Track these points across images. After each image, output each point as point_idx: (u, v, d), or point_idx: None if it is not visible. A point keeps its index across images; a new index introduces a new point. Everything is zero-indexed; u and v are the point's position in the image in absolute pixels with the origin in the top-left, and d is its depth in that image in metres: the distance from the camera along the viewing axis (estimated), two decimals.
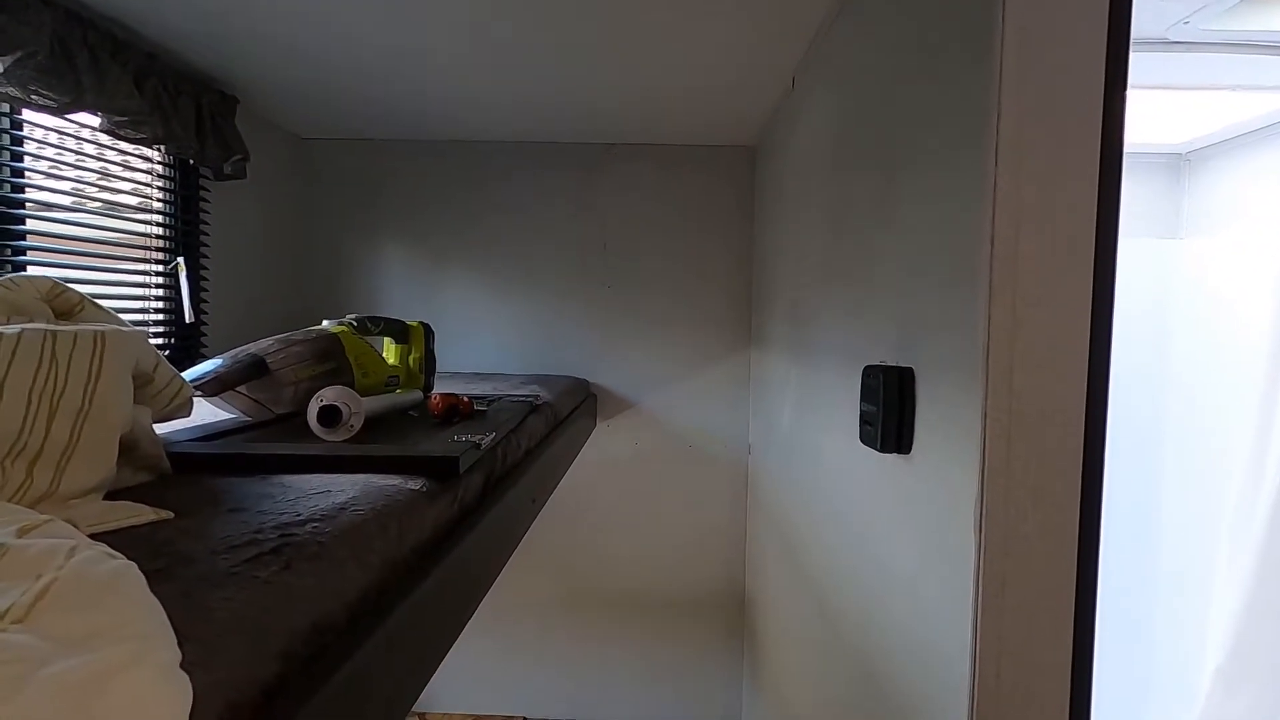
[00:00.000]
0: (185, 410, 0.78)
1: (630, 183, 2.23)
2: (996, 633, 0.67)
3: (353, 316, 1.23)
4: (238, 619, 0.41)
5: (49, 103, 1.24)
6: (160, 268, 1.62)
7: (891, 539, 0.88)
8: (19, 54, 1.14)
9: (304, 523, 0.56)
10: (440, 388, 1.59)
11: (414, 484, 0.74)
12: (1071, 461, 0.66)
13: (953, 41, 0.75)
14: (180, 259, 1.62)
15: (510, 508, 0.98)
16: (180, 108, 1.54)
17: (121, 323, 0.73)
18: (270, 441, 0.90)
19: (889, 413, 0.83)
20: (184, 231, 1.68)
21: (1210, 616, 1.63)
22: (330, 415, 0.88)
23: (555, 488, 1.44)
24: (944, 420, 0.75)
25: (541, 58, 1.57)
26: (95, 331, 0.60)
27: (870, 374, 0.88)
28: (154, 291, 1.61)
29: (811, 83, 1.45)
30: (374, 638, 0.55)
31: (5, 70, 1.12)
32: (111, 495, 0.62)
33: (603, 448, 2.26)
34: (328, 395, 0.90)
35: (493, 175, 2.24)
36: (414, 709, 2.28)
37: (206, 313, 1.76)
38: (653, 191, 2.23)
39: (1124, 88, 0.66)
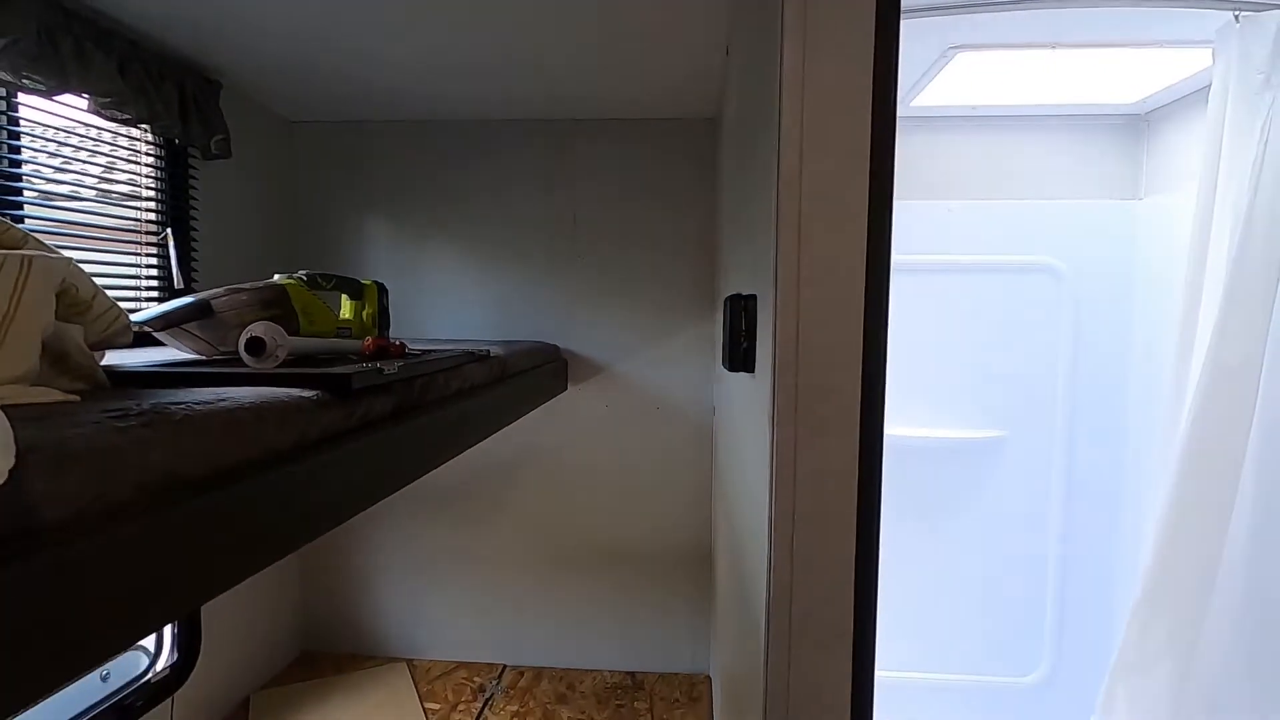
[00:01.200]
0: (124, 336, 0.92)
1: (598, 157, 2.33)
2: (789, 514, 0.77)
3: (304, 272, 1.37)
4: (85, 446, 0.53)
5: (38, 86, 1.39)
6: (152, 239, 1.78)
7: (746, 445, 0.98)
8: (6, 41, 1.29)
9: (183, 403, 0.69)
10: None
11: (307, 394, 0.86)
12: (851, 371, 0.75)
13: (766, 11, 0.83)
14: (168, 230, 1.78)
15: (420, 433, 1.10)
16: (164, 91, 1.69)
17: (58, 254, 0.87)
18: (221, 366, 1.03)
19: (736, 335, 0.93)
20: (174, 210, 1.84)
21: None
22: (256, 346, 1.01)
23: (497, 430, 1.56)
24: (767, 341, 0.84)
25: (498, 29, 1.68)
26: (23, 256, 0.74)
27: (727, 303, 0.98)
28: (146, 260, 1.77)
29: (735, 48, 1.53)
30: (244, 497, 0.68)
31: None
32: None
33: (575, 410, 2.38)
34: (255, 329, 1.02)
35: (470, 153, 2.36)
36: (403, 656, 2.45)
37: (198, 282, 1.92)
38: (619, 165, 2.33)
39: (895, 52, 0.74)
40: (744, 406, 1.00)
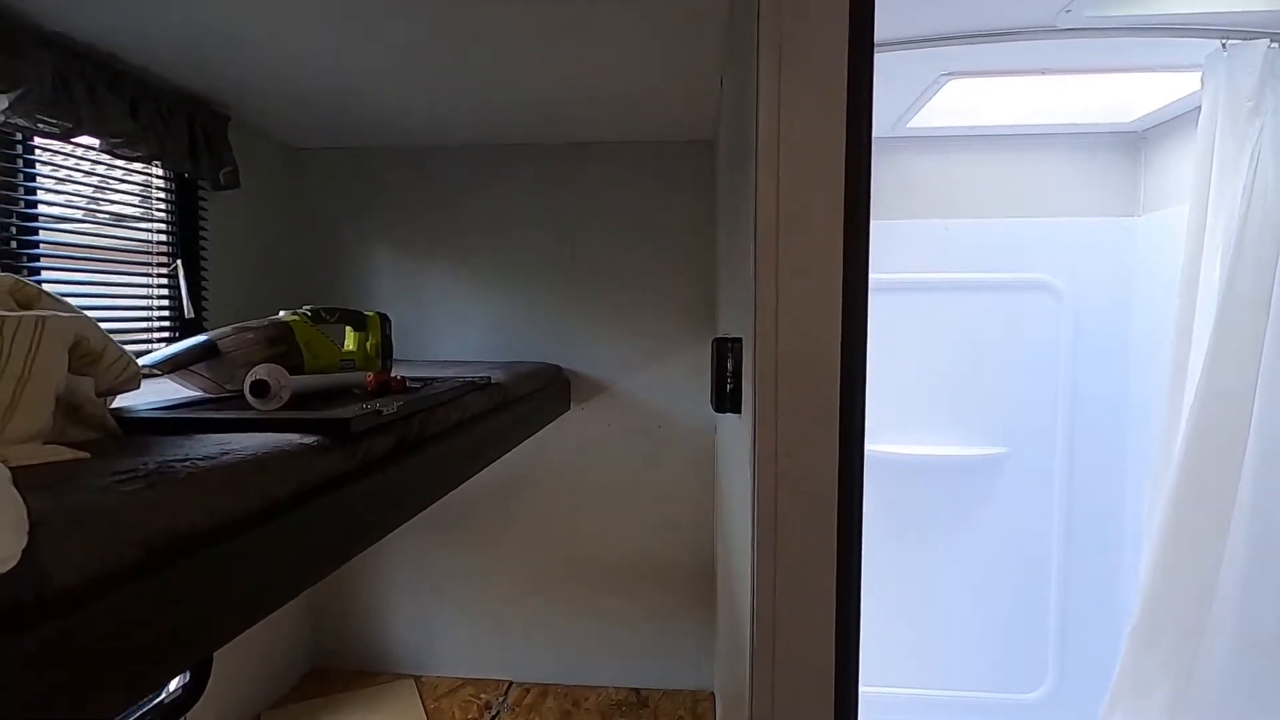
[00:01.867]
0: (134, 384, 0.95)
1: (599, 180, 2.37)
2: (771, 556, 0.79)
3: (308, 307, 1.40)
4: (90, 512, 0.57)
5: (53, 129, 1.44)
6: (163, 270, 1.83)
7: (735, 487, 1.00)
8: (22, 90, 1.34)
9: (186, 460, 0.72)
10: (414, 372, 1.76)
11: (308, 440, 0.89)
12: (829, 415, 0.78)
13: (745, 48, 0.86)
14: (179, 260, 1.83)
15: (420, 469, 1.13)
16: (174, 127, 1.74)
17: (73, 310, 0.91)
18: (218, 412, 1.07)
19: (720, 377, 0.95)
20: (184, 238, 1.89)
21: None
22: (260, 388, 1.04)
23: (498, 458, 1.59)
24: (752, 382, 0.87)
25: (495, 71, 1.72)
26: (37, 316, 0.77)
27: (714, 345, 1.00)
28: (157, 294, 1.82)
29: (727, 81, 1.56)
30: (248, 547, 0.71)
31: (10, 105, 1.33)
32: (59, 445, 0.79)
33: (579, 430, 2.41)
34: (259, 371, 1.06)
35: (472, 177, 2.40)
36: (410, 673, 2.49)
37: (207, 310, 1.97)
38: (620, 188, 2.36)
39: (869, 87, 0.76)
40: (733, 445, 1.02)
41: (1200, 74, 1.52)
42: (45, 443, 0.77)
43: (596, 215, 2.38)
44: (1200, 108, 1.89)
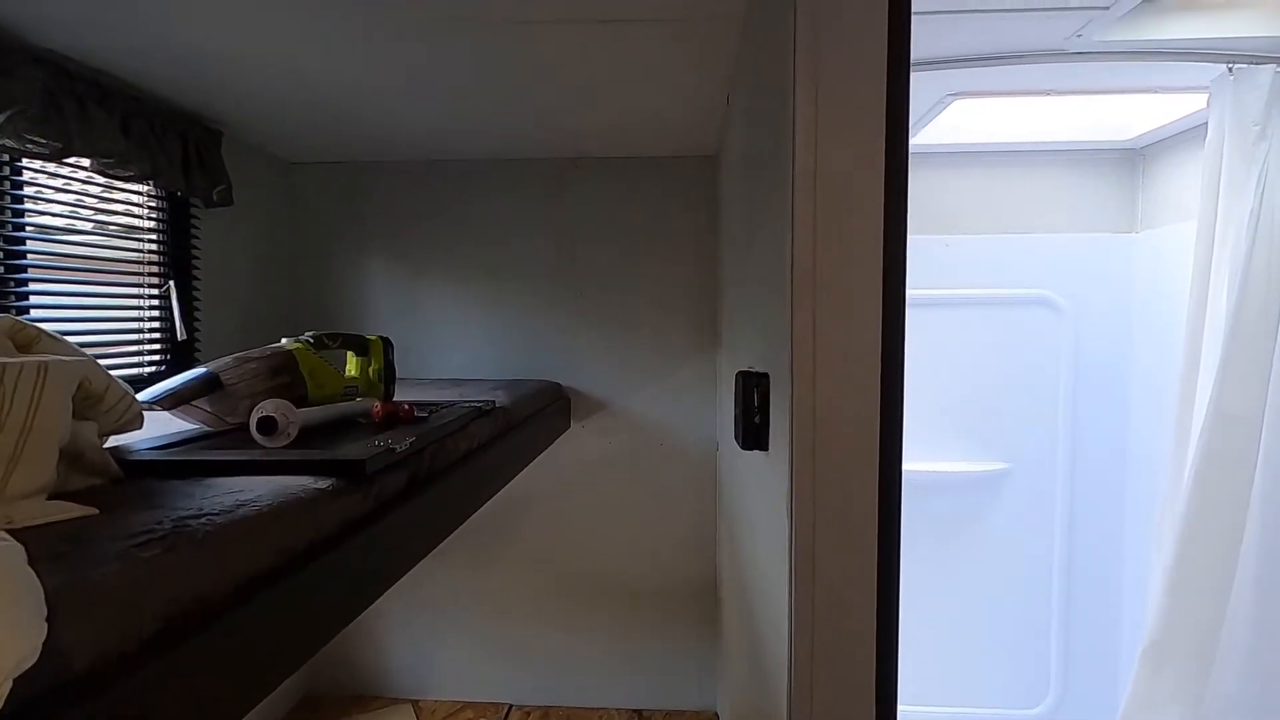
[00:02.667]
0: (136, 424, 0.92)
1: (598, 195, 2.34)
2: (809, 606, 0.77)
3: (310, 334, 1.36)
4: (110, 586, 0.53)
5: (42, 150, 1.39)
6: (154, 290, 1.78)
7: (759, 525, 0.98)
8: (12, 110, 1.29)
9: (201, 515, 0.68)
10: (416, 394, 1.72)
11: (322, 484, 0.86)
12: (869, 455, 0.76)
13: (771, 64, 0.84)
14: (170, 282, 1.78)
15: (435, 504, 1.10)
16: (167, 145, 1.69)
17: (77, 351, 0.87)
18: (222, 449, 1.03)
19: (748, 413, 0.93)
20: (176, 256, 1.84)
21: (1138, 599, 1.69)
22: (267, 425, 1.01)
23: (506, 484, 1.56)
24: (782, 421, 0.85)
25: (501, 89, 1.70)
26: (39, 362, 0.73)
27: (738, 379, 0.98)
28: (148, 313, 1.77)
29: (736, 98, 1.54)
30: (267, 607, 0.68)
31: (0, 125, 1.28)
32: (62, 496, 0.75)
33: (578, 448, 2.37)
34: (266, 407, 1.02)
35: (468, 192, 2.36)
36: (408, 697, 2.44)
37: (200, 330, 1.91)
38: (620, 203, 2.34)
39: (905, 113, 0.75)
40: (757, 481, 1.00)
41: (1206, 95, 1.53)
42: (49, 496, 0.73)
43: (596, 230, 2.35)
44: (1203, 125, 1.91)
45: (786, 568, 0.78)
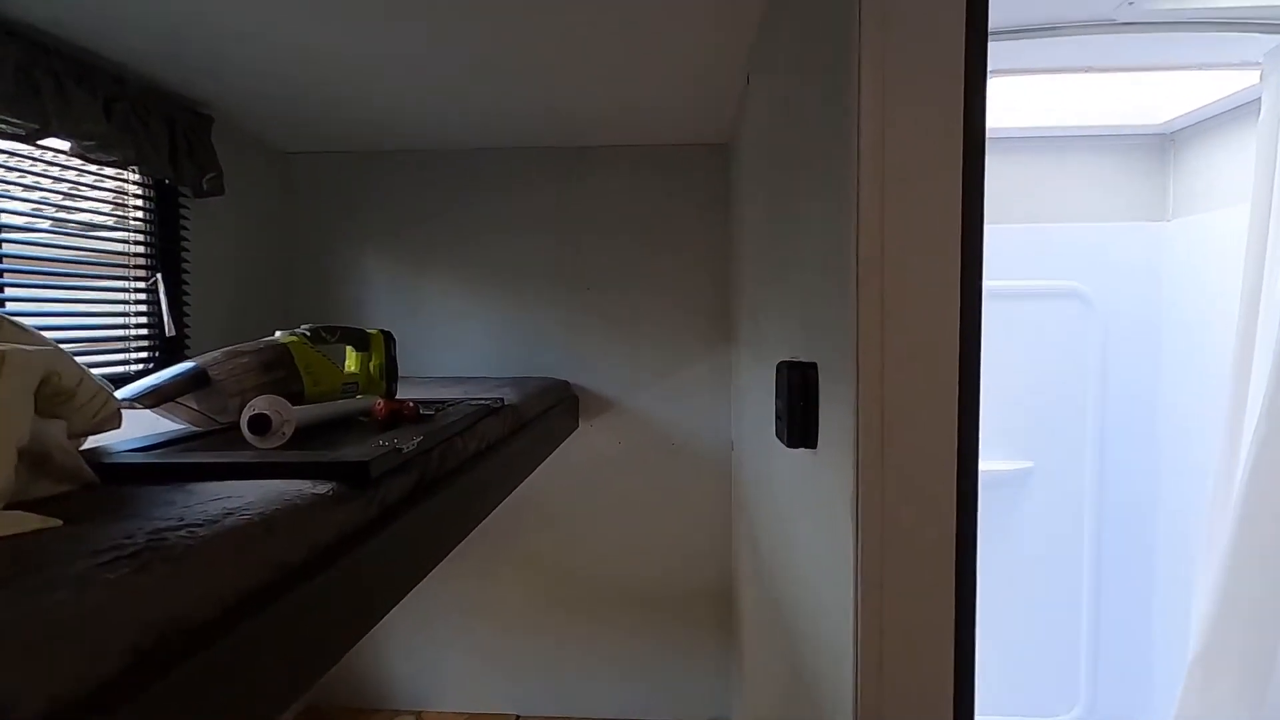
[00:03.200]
0: (113, 423, 0.82)
1: (605, 185, 2.25)
2: (877, 626, 0.68)
3: (306, 326, 1.27)
4: (66, 618, 0.44)
5: (17, 131, 1.30)
6: (141, 285, 1.68)
7: (802, 530, 0.89)
8: None
9: (181, 526, 0.59)
10: (418, 392, 1.63)
11: (321, 489, 0.77)
12: (946, 456, 0.67)
13: (821, 28, 0.75)
14: (158, 275, 1.68)
15: (445, 508, 1.00)
16: (153, 129, 1.59)
17: (43, 341, 0.77)
18: (210, 450, 0.94)
19: (794, 408, 0.84)
20: (164, 249, 1.74)
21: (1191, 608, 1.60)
22: (260, 423, 0.91)
23: (517, 486, 1.47)
24: (837, 416, 0.76)
25: (506, 72, 1.60)
26: None
27: (781, 370, 0.89)
28: (135, 310, 1.67)
29: (758, 79, 1.45)
30: (258, 633, 0.58)
31: None
32: (24, 505, 0.66)
33: (587, 448, 2.28)
34: (259, 404, 0.93)
35: (472, 184, 2.27)
36: (412, 709, 2.34)
37: (190, 326, 1.82)
38: (629, 193, 2.25)
39: (984, 79, 0.66)
40: (801, 482, 0.91)
41: (1258, 71, 1.44)
42: (6, 506, 0.64)
43: (604, 221, 2.26)
44: (1238, 108, 1.82)
45: (850, 580, 0.69)
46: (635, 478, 2.30)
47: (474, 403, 1.47)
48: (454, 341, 2.30)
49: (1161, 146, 2.10)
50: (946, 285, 0.66)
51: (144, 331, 1.70)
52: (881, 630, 0.67)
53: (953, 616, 0.67)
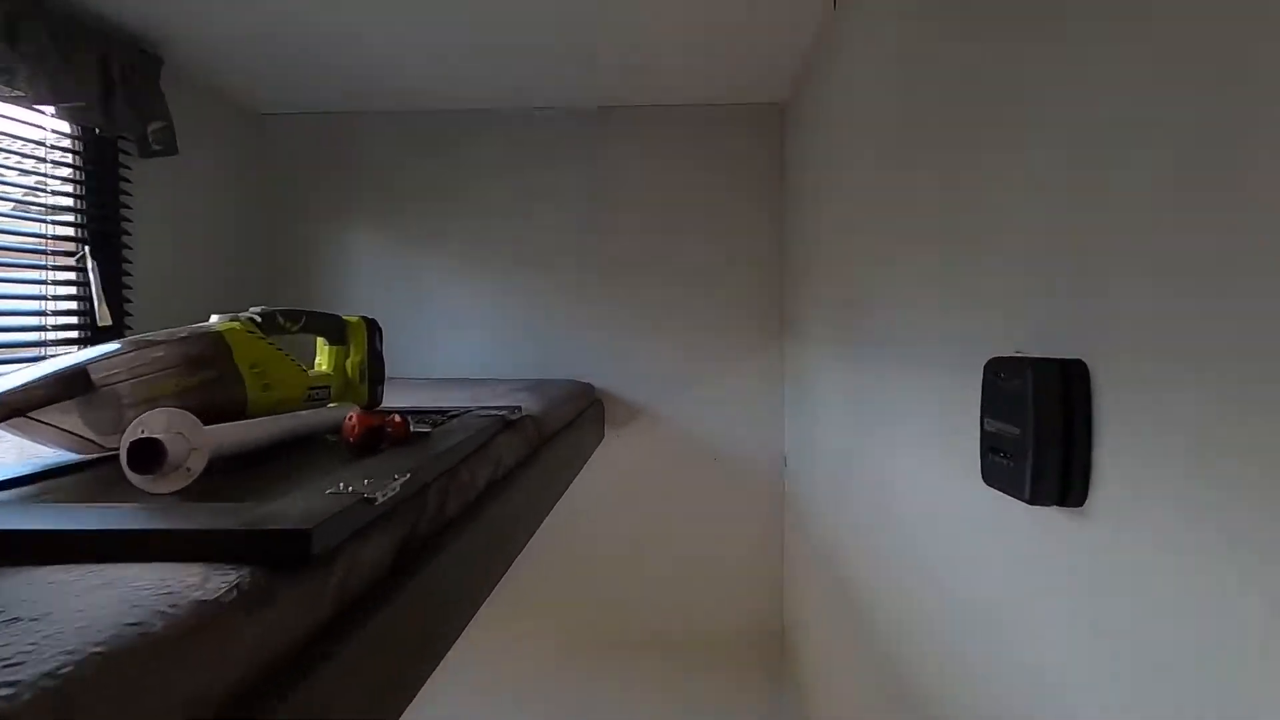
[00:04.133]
0: None
1: (637, 151, 1.92)
2: None
3: (257, 309, 0.93)
4: None
5: None
6: (65, 263, 1.34)
7: (1034, 634, 0.54)
8: None
9: None
10: (411, 398, 1.29)
11: (229, 576, 0.42)
12: None
13: None
14: (85, 248, 1.34)
15: (443, 582, 0.66)
16: (76, 62, 1.25)
17: None
18: (70, 500, 0.59)
19: (1044, 437, 0.49)
20: (99, 218, 1.40)
21: None
22: (145, 454, 0.57)
23: (537, 528, 1.13)
24: (1163, 449, 0.41)
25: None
26: None
27: (1001, 371, 0.54)
28: (55, 290, 1.33)
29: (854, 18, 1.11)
30: None
31: None
32: None
33: (613, 463, 1.93)
34: (148, 423, 0.59)
35: (479, 148, 1.94)
36: None
37: (132, 315, 1.47)
38: (664, 161, 1.92)
39: None
40: (1005, 549, 0.56)
41: None
42: None
43: (633, 194, 1.93)
44: None
45: None
46: (670, 498, 1.96)
47: (483, 413, 1.12)
48: (458, 333, 1.97)
49: None
50: None
51: (70, 320, 1.35)
52: None
53: None
